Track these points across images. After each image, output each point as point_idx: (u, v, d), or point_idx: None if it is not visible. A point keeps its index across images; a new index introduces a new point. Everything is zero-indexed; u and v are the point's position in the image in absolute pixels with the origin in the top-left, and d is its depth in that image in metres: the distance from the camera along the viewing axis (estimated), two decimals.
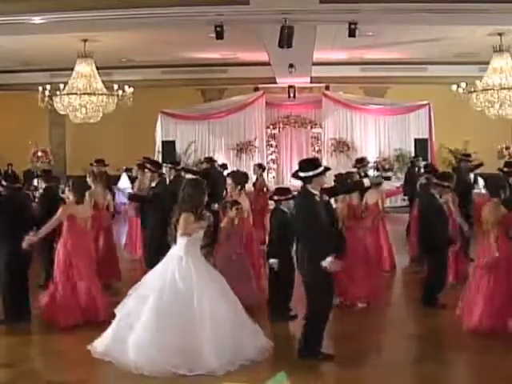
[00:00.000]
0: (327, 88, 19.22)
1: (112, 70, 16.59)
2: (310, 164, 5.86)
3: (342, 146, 19.34)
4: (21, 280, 7.00)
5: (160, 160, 16.85)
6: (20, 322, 6.90)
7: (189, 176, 10.70)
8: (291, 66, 15.36)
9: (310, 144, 19.94)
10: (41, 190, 10.50)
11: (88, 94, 14.06)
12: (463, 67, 16.68)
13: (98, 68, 14.27)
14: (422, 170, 11.72)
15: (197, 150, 19.24)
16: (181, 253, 5.68)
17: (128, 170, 15.86)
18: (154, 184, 9.17)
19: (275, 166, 19.92)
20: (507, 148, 18.36)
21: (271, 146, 19.95)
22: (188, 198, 5.75)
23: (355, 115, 19.45)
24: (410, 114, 19.03)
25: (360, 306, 7.55)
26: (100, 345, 5.75)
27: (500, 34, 13.00)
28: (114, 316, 5.83)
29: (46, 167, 15.66)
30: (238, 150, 19.52)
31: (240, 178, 8.62)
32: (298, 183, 5.91)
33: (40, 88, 14.32)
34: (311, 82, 18.61)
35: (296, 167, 5.91)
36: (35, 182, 14.33)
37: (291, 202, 7.03)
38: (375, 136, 19.35)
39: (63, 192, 8.20)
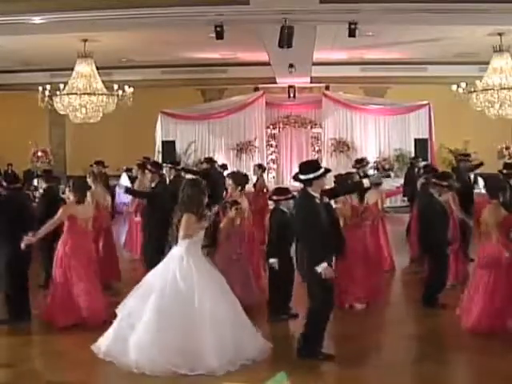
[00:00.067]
0: (327, 88, 19.22)
1: (112, 70, 16.58)
2: (310, 166, 5.85)
3: (341, 146, 19.34)
4: (21, 280, 7.01)
5: (160, 160, 16.88)
6: (20, 322, 6.90)
7: (189, 176, 10.71)
8: (291, 65, 15.36)
9: (309, 144, 19.94)
10: (41, 190, 10.49)
11: (88, 93, 14.06)
12: (463, 67, 16.68)
13: (97, 68, 14.27)
14: (422, 171, 11.71)
15: (197, 150, 19.24)
16: (182, 253, 5.68)
17: (128, 170, 15.85)
18: (153, 184, 9.16)
19: (275, 166, 19.92)
20: (507, 148, 18.35)
21: (271, 146, 19.94)
22: (188, 199, 5.75)
23: (355, 115, 19.44)
24: (409, 114, 19.03)
25: (359, 307, 7.55)
26: (102, 345, 5.75)
27: (500, 34, 13.00)
28: (115, 316, 5.83)
29: (46, 167, 15.67)
30: (238, 150, 19.52)
31: (240, 178, 8.63)
32: (298, 183, 5.92)
33: (40, 88, 14.32)
34: (311, 82, 18.61)
35: (296, 167, 5.91)
36: (35, 182, 14.33)
37: (291, 201, 7.04)
38: (375, 136, 19.35)
39: (63, 192, 8.20)
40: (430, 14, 9.84)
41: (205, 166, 13.26)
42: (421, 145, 18.48)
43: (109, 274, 8.54)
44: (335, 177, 8.35)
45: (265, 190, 12.72)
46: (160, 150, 18.88)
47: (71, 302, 6.86)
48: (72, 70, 14.15)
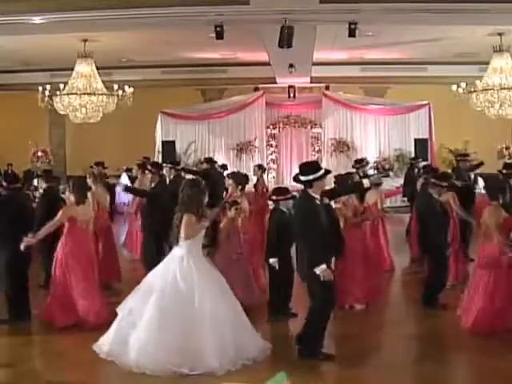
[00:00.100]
0: (327, 88, 19.21)
1: (112, 70, 16.58)
2: (310, 167, 5.86)
3: (341, 146, 19.34)
4: (21, 280, 7.01)
5: (160, 160, 16.89)
6: (20, 322, 6.90)
7: (189, 176, 10.71)
8: (291, 66, 15.35)
9: (309, 144, 19.93)
10: (41, 190, 10.49)
11: (88, 94, 14.05)
12: (463, 67, 16.68)
13: (97, 68, 14.26)
14: (422, 171, 11.70)
15: (197, 150, 19.23)
16: (183, 253, 5.69)
17: (128, 170, 15.86)
18: (153, 184, 9.17)
19: (275, 166, 19.92)
20: (507, 148, 18.37)
21: (271, 146, 19.94)
22: (187, 199, 5.76)
23: (355, 115, 19.44)
24: (409, 114, 19.03)
25: (358, 308, 7.55)
26: (104, 345, 5.76)
27: (500, 34, 12.99)
28: (115, 316, 5.83)
29: (46, 167, 15.67)
30: (238, 150, 19.51)
31: (241, 178, 8.63)
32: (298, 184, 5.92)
33: (40, 88, 14.32)
34: (311, 82, 18.61)
35: (296, 167, 5.92)
36: (35, 182, 14.33)
37: (290, 201, 7.04)
38: (375, 136, 19.35)
39: (63, 192, 8.20)
40: (430, 13, 9.84)
41: (205, 166, 13.26)
42: (421, 145, 18.47)
43: (109, 274, 8.54)
44: (335, 177, 8.33)
45: (264, 190, 12.72)
46: (160, 150, 18.88)
47: (71, 302, 6.85)
48: (72, 70, 14.14)
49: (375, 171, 14.88)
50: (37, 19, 10.04)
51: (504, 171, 9.99)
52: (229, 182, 8.79)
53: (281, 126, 20.00)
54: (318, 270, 5.50)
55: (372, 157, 18.03)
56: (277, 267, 7.01)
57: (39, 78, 16.60)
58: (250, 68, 17.59)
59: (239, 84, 18.93)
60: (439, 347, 6.25)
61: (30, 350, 6.40)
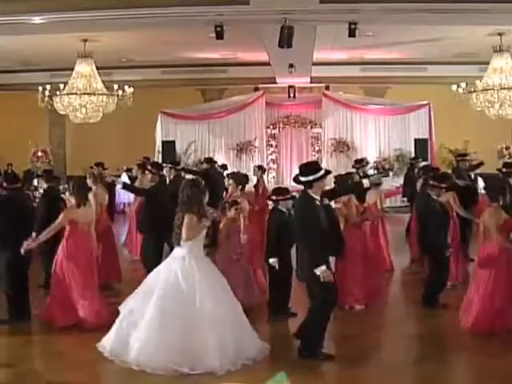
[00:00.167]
0: (327, 88, 19.21)
1: (112, 70, 16.58)
2: (310, 168, 5.85)
3: (342, 146, 19.33)
4: (21, 280, 7.01)
5: (160, 160, 16.88)
6: (20, 322, 6.90)
7: (189, 176, 10.71)
8: (291, 65, 15.35)
9: (309, 144, 19.93)
10: (41, 190, 10.49)
11: (88, 94, 14.05)
12: (463, 67, 16.68)
13: (97, 68, 14.26)
14: (421, 171, 11.69)
15: (197, 150, 19.23)
16: (184, 254, 5.70)
17: (128, 170, 15.87)
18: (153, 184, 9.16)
19: (275, 166, 19.91)
20: (507, 148, 18.38)
21: (271, 146, 19.93)
22: (187, 200, 5.77)
23: (355, 115, 19.43)
24: (409, 114, 19.02)
25: (358, 308, 7.55)
26: (107, 344, 5.77)
27: (500, 34, 12.99)
28: (117, 315, 5.83)
29: (46, 167, 15.67)
30: (238, 150, 19.51)
31: (241, 178, 8.63)
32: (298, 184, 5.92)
33: (40, 88, 14.31)
34: (311, 82, 18.60)
35: (296, 167, 5.92)
36: (35, 182, 14.34)
37: (290, 202, 7.04)
38: (375, 136, 19.34)
39: (64, 192, 8.19)
40: (430, 13, 9.84)
41: (205, 166, 13.25)
42: (421, 145, 18.47)
43: (109, 274, 8.54)
44: (335, 177, 8.34)
45: (265, 191, 12.71)
46: (160, 149, 18.88)
47: (71, 302, 6.85)
48: (72, 70, 14.14)
49: (375, 171, 14.86)
50: (37, 19, 10.03)
51: (504, 170, 9.99)
52: (229, 181, 8.79)
53: (281, 126, 19.99)
54: (318, 271, 5.50)
55: (372, 157, 18.02)
56: (277, 267, 7.01)
57: (39, 78, 16.60)
58: (250, 68, 17.58)
59: (239, 84, 18.92)
60: (439, 347, 6.25)
61: (30, 350, 6.40)
